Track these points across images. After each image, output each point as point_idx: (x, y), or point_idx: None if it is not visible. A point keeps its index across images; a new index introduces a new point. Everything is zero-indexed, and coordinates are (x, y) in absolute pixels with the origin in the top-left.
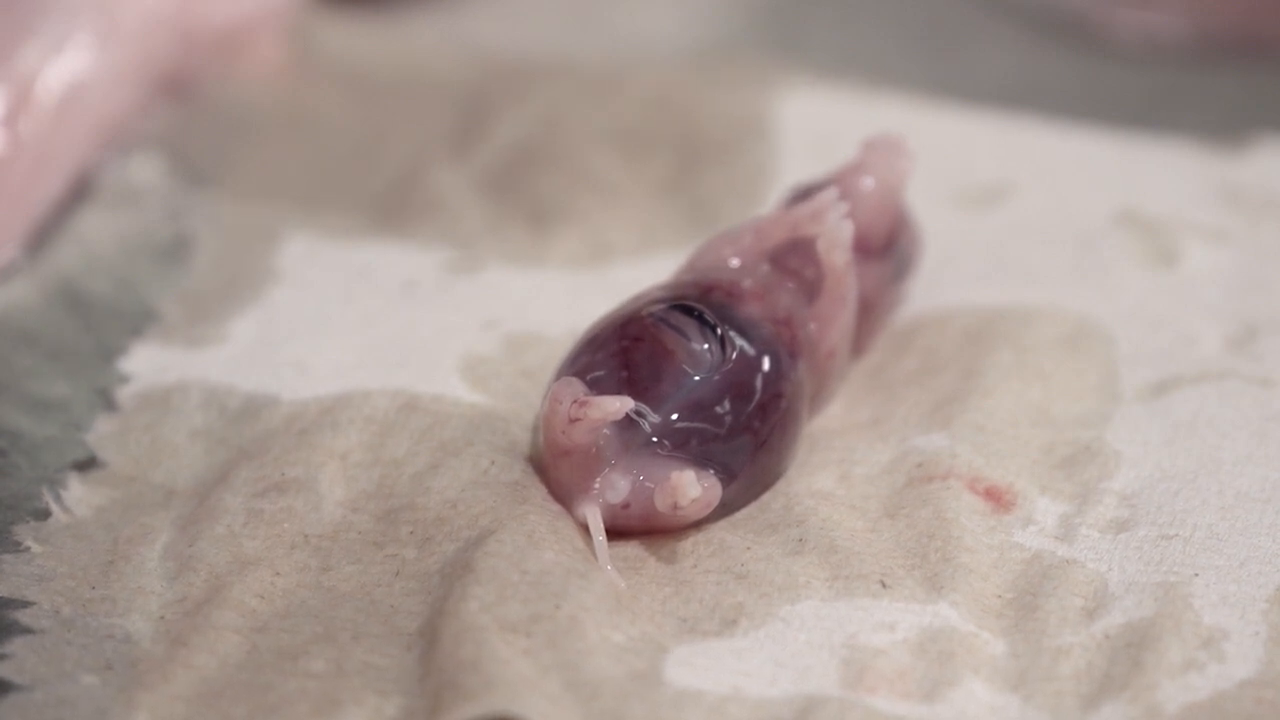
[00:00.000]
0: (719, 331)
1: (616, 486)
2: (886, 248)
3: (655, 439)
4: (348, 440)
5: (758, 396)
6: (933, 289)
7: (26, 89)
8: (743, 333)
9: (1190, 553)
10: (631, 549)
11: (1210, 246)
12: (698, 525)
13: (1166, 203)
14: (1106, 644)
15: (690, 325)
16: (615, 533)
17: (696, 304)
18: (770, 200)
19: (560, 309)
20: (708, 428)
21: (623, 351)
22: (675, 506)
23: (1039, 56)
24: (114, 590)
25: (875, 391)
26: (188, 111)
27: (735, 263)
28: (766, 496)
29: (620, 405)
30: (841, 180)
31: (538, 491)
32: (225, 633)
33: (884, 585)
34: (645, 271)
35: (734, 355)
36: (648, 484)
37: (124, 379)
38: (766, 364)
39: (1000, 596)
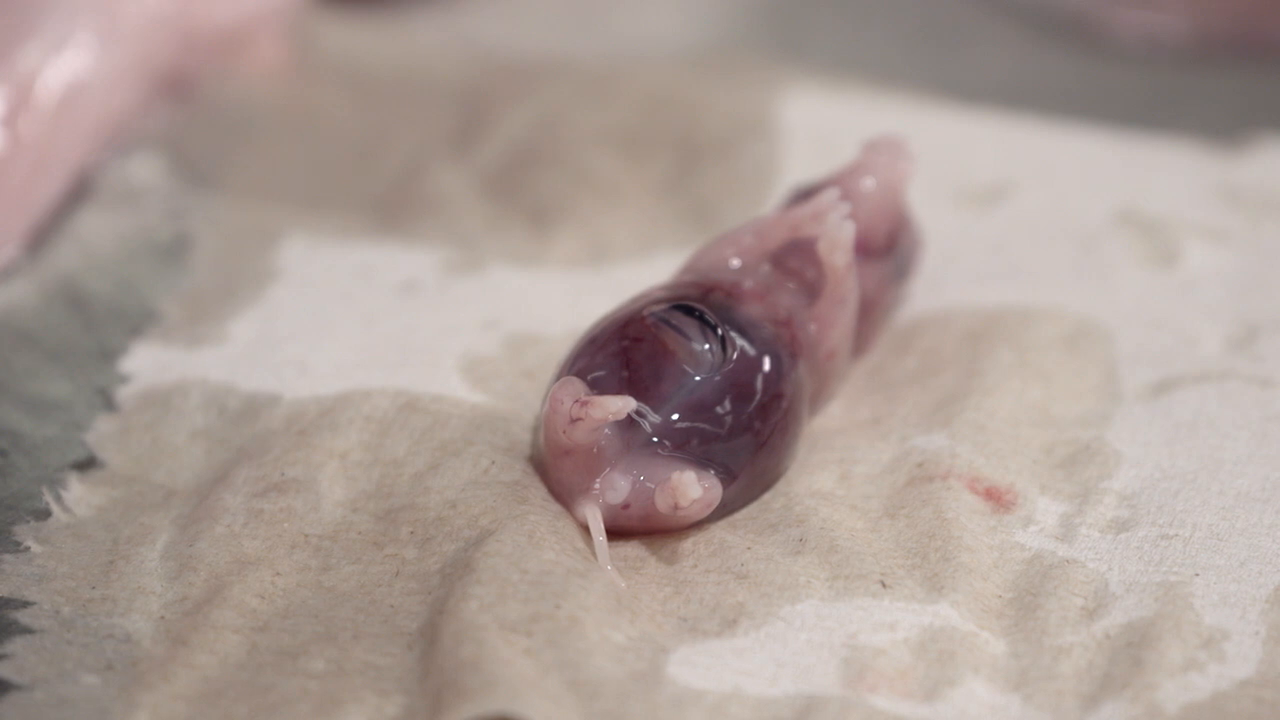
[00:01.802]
0: (720, 332)
1: (617, 486)
2: (887, 248)
3: (656, 439)
4: (347, 440)
5: (758, 397)
6: (933, 289)
7: (26, 89)
8: (743, 333)
9: (1190, 553)
10: (631, 549)
11: (1210, 246)
12: (698, 525)
13: (1166, 203)
14: (1107, 643)
15: (691, 325)
16: (615, 533)
17: (697, 304)
18: (771, 201)
19: (560, 309)
20: (708, 428)
21: (623, 351)
22: (676, 507)
23: (1039, 56)
24: (114, 590)
25: (876, 391)
26: (188, 111)
27: (736, 263)
28: (767, 496)
29: (622, 405)
30: (842, 181)
31: (538, 491)
32: (225, 632)
33: (884, 585)
34: (645, 271)
35: (735, 356)
36: (648, 484)
37: (124, 379)
38: (767, 364)
39: (1000, 596)
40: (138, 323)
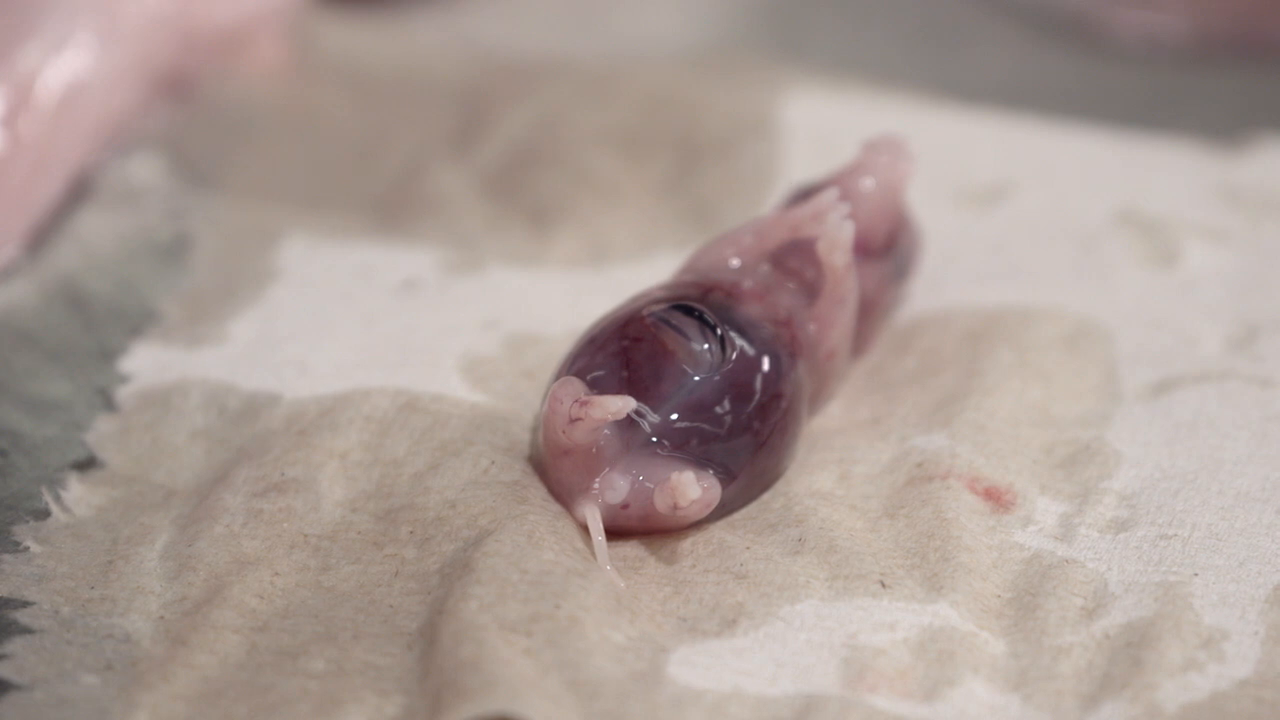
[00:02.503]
0: (719, 332)
1: (616, 486)
2: (887, 248)
3: (655, 439)
4: (347, 440)
5: (758, 397)
6: (933, 289)
7: (26, 89)
8: (743, 333)
9: (1190, 552)
10: (631, 549)
11: (1210, 246)
12: (697, 525)
13: (1166, 203)
14: (1106, 643)
15: (690, 325)
16: (615, 533)
17: (697, 304)
18: (771, 201)
19: (560, 309)
20: (708, 428)
21: (623, 351)
22: (675, 507)
23: (1039, 56)
24: (114, 590)
25: (875, 391)
26: (188, 111)
27: (736, 263)
28: (766, 496)
29: (622, 405)
30: (842, 181)
31: (538, 491)
32: (225, 632)
33: (884, 585)
34: (645, 271)
35: (734, 356)
36: (647, 484)
37: (124, 379)
38: (766, 364)
39: (1000, 596)
40: (138, 323)
